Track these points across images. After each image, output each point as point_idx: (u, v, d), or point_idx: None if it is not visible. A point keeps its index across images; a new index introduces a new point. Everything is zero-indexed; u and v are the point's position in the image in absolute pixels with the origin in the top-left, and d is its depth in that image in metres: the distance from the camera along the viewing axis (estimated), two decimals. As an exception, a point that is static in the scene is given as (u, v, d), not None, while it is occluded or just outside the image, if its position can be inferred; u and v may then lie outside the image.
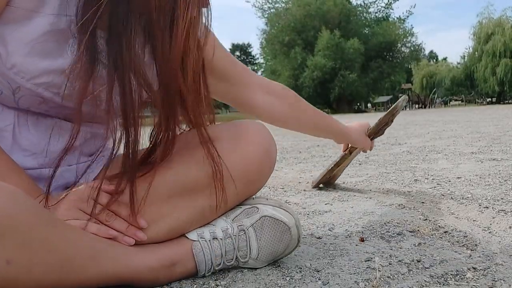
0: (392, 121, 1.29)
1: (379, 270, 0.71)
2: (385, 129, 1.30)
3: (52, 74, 0.63)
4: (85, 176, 0.67)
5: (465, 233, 0.92)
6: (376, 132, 1.29)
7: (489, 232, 0.92)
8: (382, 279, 0.68)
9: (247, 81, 0.95)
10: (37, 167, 0.68)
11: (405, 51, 32.07)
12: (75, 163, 0.75)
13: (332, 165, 1.43)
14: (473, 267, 0.71)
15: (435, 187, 1.46)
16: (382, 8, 33.04)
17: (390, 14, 33.30)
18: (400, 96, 1.38)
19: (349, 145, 1.37)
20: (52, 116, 0.69)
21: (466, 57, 30.48)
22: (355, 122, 1.30)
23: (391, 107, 1.29)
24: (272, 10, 32.04)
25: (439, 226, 0.98)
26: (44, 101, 0.65)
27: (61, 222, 0.59)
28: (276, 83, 1.03)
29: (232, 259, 0.70)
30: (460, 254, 0.79)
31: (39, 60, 0.61)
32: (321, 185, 1.53)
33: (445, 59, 49.04)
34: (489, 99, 30.34)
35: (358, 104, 34.81)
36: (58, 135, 0.69)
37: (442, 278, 0.68)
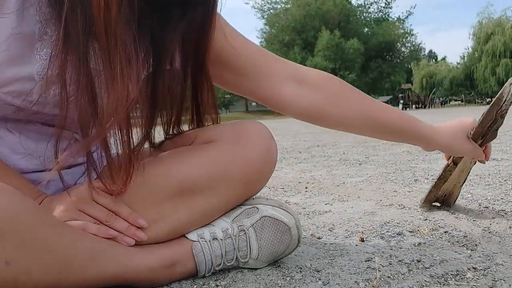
0: (502, 116, 0.91)
1: (379, 270, 0.71)
2: (496, 129, 0.92)
3: (21, 82, 0.58)
4: (85, 178, 0.67)
5: (465, 233, 0.92)
6: (482, 133, 0.92)
7: (489, 232, 0.92)
8: (382, 279, 0.68)
9: (269, 70, 0.80)
10: (31, 169, 0.67)
11: (405, 51, 32.13)
12: (73, 165, 0.75)
13: (437, 180, 1.09)
14: (473, 267, 0.71)
15: (435, 187, 1.46)
16: (382, 8, 33.07)
17: (389, 14, 33.33)
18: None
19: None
20: (33, 121, 0.65)
21: (465, 57, 30.50)
22: (457, 119, 0.95)
23: (496, 97, 0.93)
24: (271, 11, 32.07)
25: (439, 226, 0.98)
26: (19, 109, 0.61)
27: (60, 222, 0.59)
28: (315, 70, 0.84)
29: (232, 260, 0.70)
30: (460, 254, 0.79)
31: (5, 68, 0.57)
32: (436, 204, 1.16)
33: (444, 58, 49.06)
34: (489, 99, 30.34)
35: (358, 104, 34.76)
36: (44, 139, 0.65)
37: (442, 278, 0.68)
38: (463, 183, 1.11)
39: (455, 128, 0.92)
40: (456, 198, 1.15)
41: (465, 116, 0.97)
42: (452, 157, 1.03)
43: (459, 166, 1.02)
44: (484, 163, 0.97)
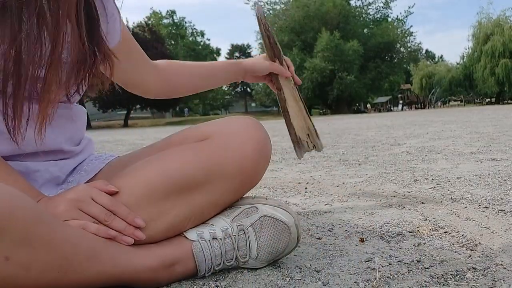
0: (268, 30, 1.08)
1: (379, 271, 0.71)
2: (274, 42, 1.09)
3: None
4: (78, 176, 0.67)
5: (465, 233, 0.92)
6: (272, 51, 1.09)
7: (489, 232, 0.92)
8: (382, 279, 0.68)
9: (145, 58, 0.95)
10: (8, 153, 0.67)
11: (404, 51, 32.16)
12: (59, 158, 0.75)
13: (283, 115, 1.14)
14: (473, 267, 0.71)
15: (434, 187, 1.46)
16: (381, 9, 33.11)
17: (388, 15, 33.36)
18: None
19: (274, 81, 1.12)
20: None
21: (465, 58, 30.52)
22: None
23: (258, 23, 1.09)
24: (270, 12, 32.13)
25: (439, 226, 0.98)
26: None
27: (59, 222, 0.59)
28: (161, 60, 1.03)
29: (232, 259, 0.70)
30: (460, 254, 0.79)
31: None
32: (308, 149, 1.14)
33: (441, 57, 49.15)
34: (488, 99, 30.40)
35: (357, 104, 34.85)
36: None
37: (442, 278, 0.68)
38: (310, 117, 1.13)
39: (257, 57, 1.15)
40: (319, 137, 1.14)
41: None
42: (275, 85, 1.13)
43: (285, 91, 1.12)
44: (292, 80, 1.11)
